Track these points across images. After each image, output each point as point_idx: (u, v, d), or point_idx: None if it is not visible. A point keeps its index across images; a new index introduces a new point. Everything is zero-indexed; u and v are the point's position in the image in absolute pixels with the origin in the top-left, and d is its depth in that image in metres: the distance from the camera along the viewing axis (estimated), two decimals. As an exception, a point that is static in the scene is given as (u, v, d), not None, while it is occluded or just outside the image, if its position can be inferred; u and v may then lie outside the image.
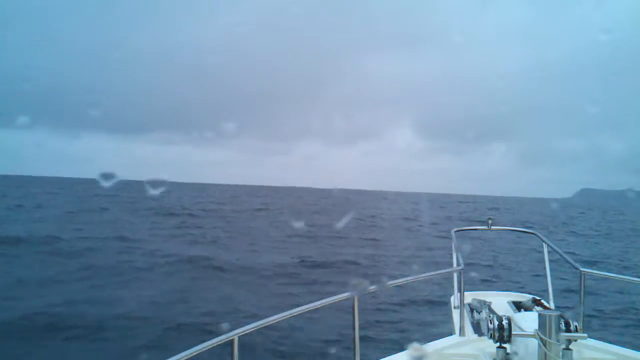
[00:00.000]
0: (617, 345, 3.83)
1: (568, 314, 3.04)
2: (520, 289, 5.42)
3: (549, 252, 4.98)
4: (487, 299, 4.62)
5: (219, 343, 2.75)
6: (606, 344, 3.85)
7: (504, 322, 2.99)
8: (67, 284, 12.37)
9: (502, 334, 2.98)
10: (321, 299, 3.41)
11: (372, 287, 3.69)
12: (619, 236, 32.05)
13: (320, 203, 61.17)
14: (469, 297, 4.65)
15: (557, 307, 4.59)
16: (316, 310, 3.35)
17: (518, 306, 4.56)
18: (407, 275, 4.40)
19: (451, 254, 4.91)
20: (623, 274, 4.83)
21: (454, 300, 4.71)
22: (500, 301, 4.66)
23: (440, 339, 4.02)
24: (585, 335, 3.01)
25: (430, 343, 3.92)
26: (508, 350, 3.16)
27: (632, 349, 3.74)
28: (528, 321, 3.13)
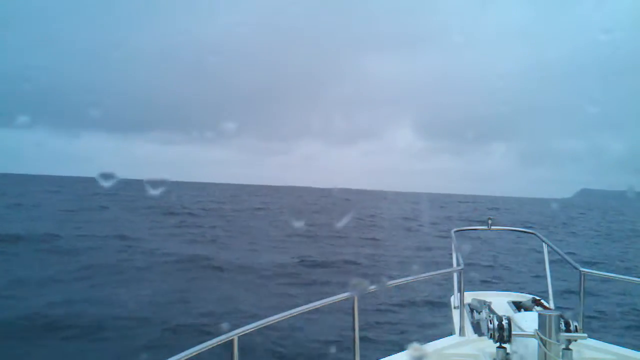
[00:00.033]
0: (617, 345, 3.83)
1: (568, 314, 3.04)
2: (520, 289, 5.41)
3: (548, 252, 4.98)
4: (487, 299, 4.62)
5: (219, 343, 2.75)
6: (606, 344, 3.84)
7: (504, 322, 2.99)
8: (65, 283, 12.35)
9: (502, 334, 2.97)
10: (321, 299, 3.41)
11: (372, 287, 3.69)
12: (619, 237, 32.05)
13: (320, 203, 61.19)
14: (469, 297, 4.65)
15: (557, 307, 4.59)
16: (316, 310, 3.34)
17: (518, 306, 4.56)
18: (407, 275, 4.39)
19: (451, 254, 4.91)
20: (623, 275, 4.83)
21: (454, 300, 4.70)
22: (500, 301, 4.66)
23: (440, 339, 4.02)
24: (585, 335, 3.01)
25: (430, 343, 3.92)
26: (508, 350, 3.15)
27: (632, 349, 3.74)
28: (528, 321, 3.13)
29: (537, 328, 2.87)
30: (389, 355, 3.67)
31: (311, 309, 3.33)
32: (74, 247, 17.34)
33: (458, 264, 4.50)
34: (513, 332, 2.98)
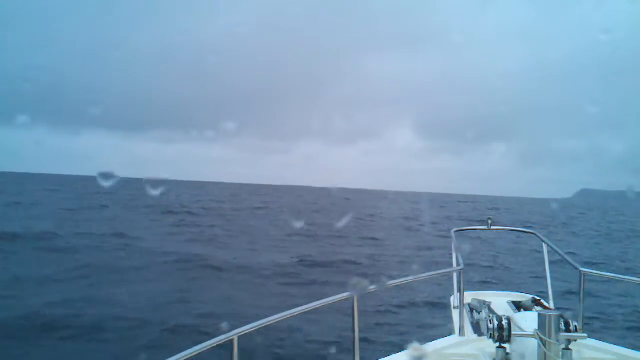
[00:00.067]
0: (617, 345, 3.83)
1: (568, 314, 3.04)
2: (520, 290, 5.41)
3: (548, 252, 4.98)
4: (487, 299, 4.62)
5: (219, 343, 2.75)
6: (606, 344, 3.84)
7: (504, 322, 2.99)
8: (62, 283, 12.31)
9: (502, 334, 2.97)
10: (320, 299, 3.41)
11: (372, 287, 3.68)
12: (619, 237, 32.06)
13: (320, 202, 61.20)
14: (469, 297, 4.65)
15: (556, 307, 4.59)
16: (316, 310, 3.34)
17: (518, 306, 4.56)
18: (406, 275, 4.39)
19: (451, 254, 4.91)
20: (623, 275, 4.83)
21: (454, 300, 4.70)
22: (500, 301, 4.66)
23: (440, 339, 4.02)
24: (585, 335, 3.00)
25: (430, 343, 3.91)
26: (508, 350, 3.15)
27: (632, 349, 3.74)
28: (528, 321, 3.13)
29: (537, 328, 2.87)
30: (389, 355, 3.67)
31: (311, 309, 3.33)
32: (72, 245, 17.33)
33: (458, 264, 4.50)
34: (513, 332, 2.98)
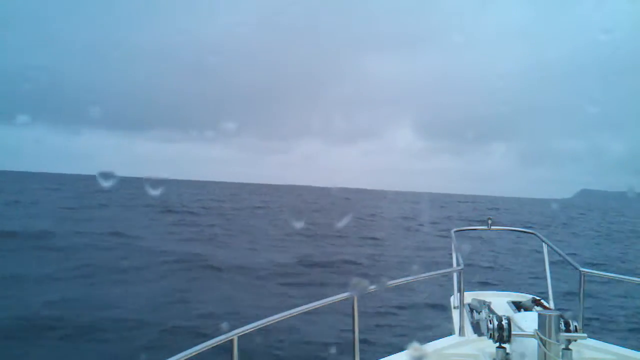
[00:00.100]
0: (617, 345, 3.83)
1: (568, 314, 3.04)
2: (520, 290, 5.42)
3: (548, 252, 4.98)
4: (487, 299, 4.62)
5: (219, 343, 2.75)
6: (606, 344, 3.84)
7: (504, 322, 2.99)
8: (58, 282, 12.24)
9: (502, 334, 2.97)
10: (320, 299, 3.41)
11: (372, 287, 3.68)
12: (619, 238, 32.06)
13: (320, 202, 61.19)
14: (469, 297, 4.65)
15: (556, 307, 4.59)
16: (316, 310, 3.34)
17: (518, 306, 4.56)
18: (406, 275, 4.39)
19: (451, 254, 4.91)
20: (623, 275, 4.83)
21: (454, 300, 4.71)
22: (500, 301, 4.66)
23: (440, 339, 4.02)
24: (585, 335, 3.01)
25: (430, 343, 3.92)
26: (508, 350, 3.15)
27: (632, 349, 3.74)
28: (528, 321, 3.13)
29: (536, 328, 2.87)
30: (388, 355, 3.67)
31: (311, 309, 3.33)
32: (69, 244, 17.27)
33: (458, 264, 4.50)
34: (513, 332, 2.98)
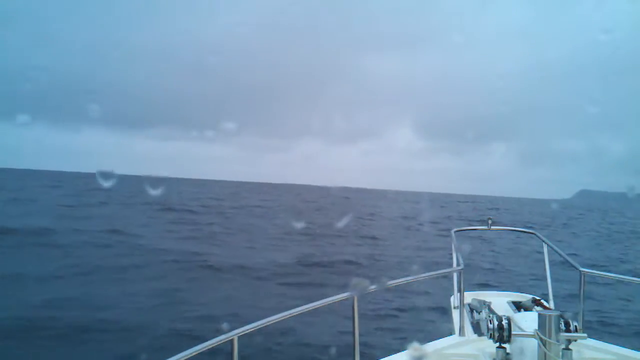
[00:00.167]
0: (617, 345, 3.83)
1: (568, 314, 3.04)
2: (520, 290, 5.42)
3: (548, 252, 4.99)
4: (487, 299, 4.62)
5: (219, 343, 2.76)
6: (606, 344, 3.85)
7: (504, 322, 2.99)
8: (53, 280, 12.15)
9: (502, 334, 2.97)
10: (320, 299, 3.41)
11: (372, 287, 3.69)
12: (619, 238, 32.06)
13: (319, 201, 61.15)
14: (469, 297, 4.66)
15: (556, 308, 4.59)
16: (316, 310, 3.35)
17: (518, 306, 4.57)
18: (406, 275, 4.40)
19: (451, 254, 4.92)
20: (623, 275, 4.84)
21: (454, 300, 4.71)
22: (500, 301, 4.66)
23: (440, 339, 4.02)
24: (585, 335, 3.01)
25: (430, 343, 3.92)
26: (508, 350, 3.16)
27: (632, 349, 3.75)
28: (528, 321, 3.13)
29: (537, 328, 2.87)
30: (389, 355, 3.67)
31: (311, 309, 3.33)
32: (67, 242, 17.26)
33: (458, 264, 4.50)
34: (513, 332, 2.98)
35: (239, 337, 2.81)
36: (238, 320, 3.14)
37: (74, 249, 16.14)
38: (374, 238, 24.03)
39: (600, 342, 3.85)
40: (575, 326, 3.00)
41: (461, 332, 4.09)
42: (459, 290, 4.27)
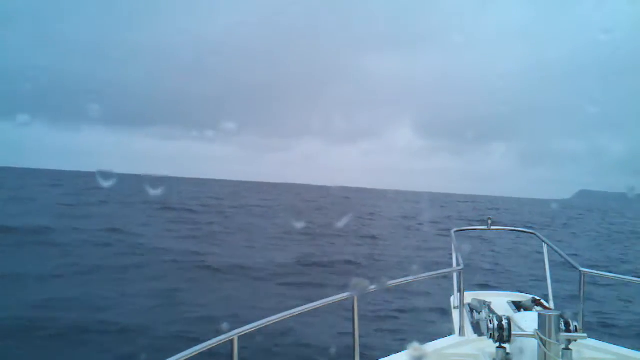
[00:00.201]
0: (617, 345, 3.84)
1: (568, 314, 3.05)
2: (520, 290, 5.42)
3: (548, 252, 4.99)
4: (487, 299, 4.62)
5: (219, 343, 2.76)
6: (606, 344, 3.85)
7: (504, 322, 2.99)
8: (50, 280, 12.10)
9: (502, 334, 2.98)
10: (320, 299, 3.41)
11: (372, 287, 3.69)
12: (620, 239, 32.06)
13: (319, 200, 61.13)
14: (469, 297, 4.66)
15: (556, 308, 4.59)
16: (316, 310, 3.35)
17: (518, 306, 4.57)
18: (406, 275, 4.40)
19: (451, 254, 4.92)
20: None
21: (454, 300, 4.71)
22: (500, 301, 4.66)
23: (440, 339, 4.02)
24: (585, 335, 3.01)
25: (430, 343, 3.92)
26: (508, 350, 3.16)
27: (632, 349, 3.75)
28: (528, 321, 3.14)
29: (537, 328, 2.87)
30: (388, 355, 3.67)
31: (311, 309, 3.33)
32: (65, 240, 17.25)
33: (458, 264, 4.51)
34: (513, 332, 2.98)
35: (239, 337, 2.81)
36: (237, 321, 3.13)
37: (73, 248, 16.13)
38: (373, 238, 24.03)
39: (600, 342, 3.85)
40: (575, 326, 3.00)
41: (461, 332, 4.09)
42: (459, 290, 4.27)
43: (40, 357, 7.86)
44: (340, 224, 29.93)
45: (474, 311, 4.45)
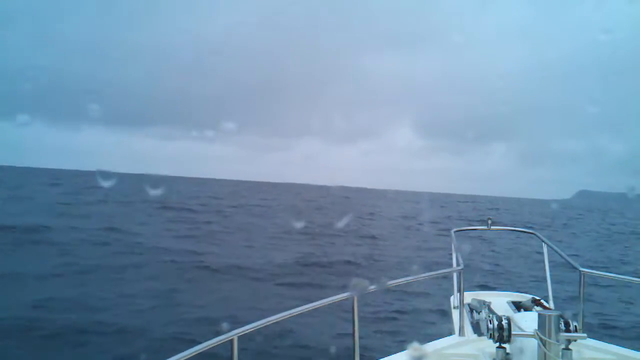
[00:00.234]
0: (617, 345, 3.84)
1: (568, 314, 3.05)
2: (520, 290, 5.42)
3: (548, 252, 4.99)
4: (487, 299, 4.62)
5: (219, 343, 2.76)
6: (606, 344, 3.85)
7: (504, 322, 2.99)
8: (49, 280, 12.04)
9: (502, 334, 2.97)
10: (320, 299, 3.41)
11: (372, 287, 3.69)
12: (620, 239, 32.06)
13: (319, 200, 61.12)
14: (469, 297, 4.66)
15: (556, 308, 4.59)
16: (316, 310, 3.35)
17: (518, 306, 4.57)
18: (406, 275, 4.40)
19: (451, 254, 4.92)
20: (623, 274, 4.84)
21: (454, 300, 4.71)
22: (499, 301, 4.67)
23: (440, 339, 4.02)
24: (585, 335, 3.01)
25: (430, 343, 3.92)
26: (508, 350, 3.16)
27: (632, 349, 3.75)
28: (528, 321, 3.14)
29: (536, 328, 2.87)
30: (388, 355, 3.67)
31: (311, 309, 3.33)
32: (63, 239, 17.22)
33: (458, 264, 4.51)
34: (513, 332, 2.98)
35: (238, 337, 2.81)
36: (235, 323, 3.13)
37: (71, 247, 16.11)
38: (373, 238, 24.02)
39: (600, 342, 3.85)
40: (575, 326, 3.00)
41: (461, 332, 4.08)
42: (459, 290, 4.27)
43: (38, 358, 7.83)
44: (340, 223, 29.91)
45: (474, 311, 4.45)
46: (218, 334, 2.81)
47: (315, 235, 23.71)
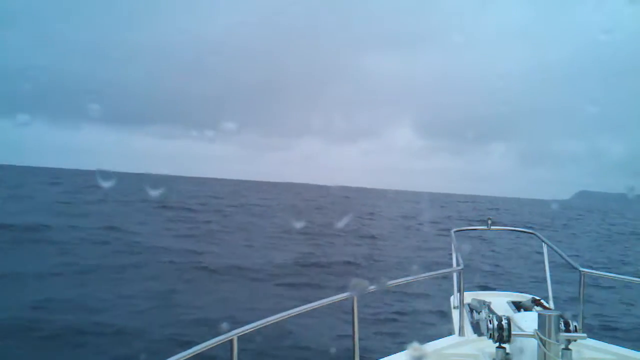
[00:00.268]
0: (617, 345, 3.83)
1: (568, 314, 3.05)
2: (520, 290, 5.42)
3: (548, 253, 4.99)
4: (487, 299, 4.62)
5: (219, 343, 2.75)
6: (606, 344, 3.85)
7: (504, 322, 2.99)
8: (47, 279, 12.02)
9: (502, 334, 2.97)
10: (320, 299, 3.41)
11: (372, 287, 3.69)
12: (619, 239, 32.05)
13: (319, 200, 61.10)
14: (469, 297, 4.66)
15: (556, 308, 4.59)
16: (315, 310, 3.34)
17: (518, 306, 4.57)
18: (406, 275, 4.39)
19: (451, 254, 4.92)
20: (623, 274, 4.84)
21: (454, 300, 4.71)
22: (499, 301, 4.66)
23: (440, 339, 4.02)
24: (585, 335, 3.01)
25: (430, 343, 3.92)
26: (507, 350, 3.15)
27: (632, 349, 3.74)
28: (528, 321, 3.14)
29: (536, 328, 2.87)
30: (388, 355, 3.67)
31: (310, 309, 3.33)
32: (62, 238, 17.22)
33: (458, 264, 4.50)
34: (513, 332, 2.98)
35: (238, 337, 2.81)
36: (234, 323, 3.12)
37: (70, 246, 16.10)
38: (373, 238, 24.01)
39: (600, 342, 3.85)
40: (575, 326, 3.00)
41: (461, 332, 4.08)
42: (459, 290, 4.27)
43: (37, 359, 7.81)
44: (340, 223, 29.90)
45: (474, 311, 4.45)
46: (217, 334, 2.81)
47: (315, 235, 23.69)
